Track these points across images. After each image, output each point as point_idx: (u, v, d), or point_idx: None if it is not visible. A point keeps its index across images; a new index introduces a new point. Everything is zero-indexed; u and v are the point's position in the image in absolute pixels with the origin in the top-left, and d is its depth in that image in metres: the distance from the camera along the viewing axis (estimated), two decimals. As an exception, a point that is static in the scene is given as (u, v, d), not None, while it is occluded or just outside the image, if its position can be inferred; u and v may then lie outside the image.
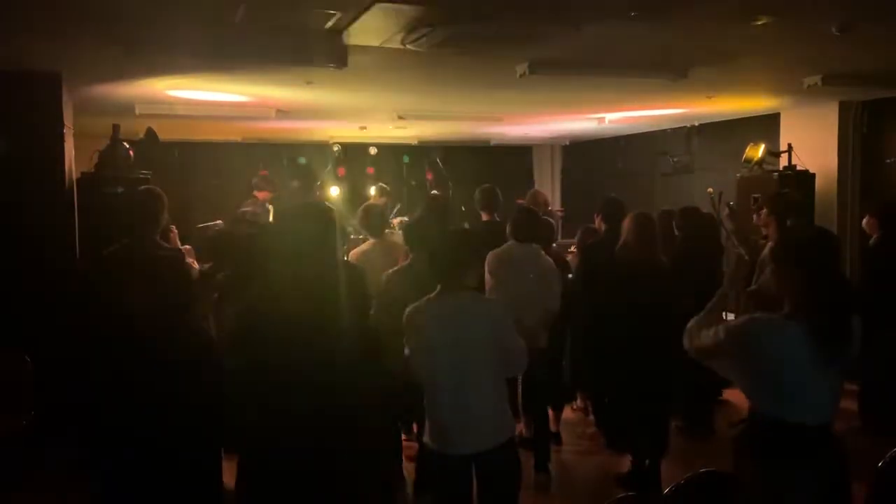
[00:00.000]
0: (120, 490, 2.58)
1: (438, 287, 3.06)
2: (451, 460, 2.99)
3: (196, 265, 4.53)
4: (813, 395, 2.52)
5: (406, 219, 6.39)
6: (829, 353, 2.47)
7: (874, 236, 5.50)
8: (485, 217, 5.72)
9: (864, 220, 5.63)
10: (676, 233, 5.46)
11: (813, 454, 2.53)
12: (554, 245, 5.79)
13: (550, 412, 5.42)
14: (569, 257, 5.94)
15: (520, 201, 8.28)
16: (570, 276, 5.38)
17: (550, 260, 4.76)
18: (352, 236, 6.61)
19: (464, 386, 2.96)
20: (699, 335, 2.69)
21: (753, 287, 5.02)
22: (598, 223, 5.29)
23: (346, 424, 2.22)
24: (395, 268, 4.31)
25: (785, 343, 2.49)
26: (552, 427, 5.43)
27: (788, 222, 5.03)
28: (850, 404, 5.33)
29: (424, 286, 4.03)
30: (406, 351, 3.07)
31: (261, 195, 7.73)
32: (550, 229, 5.55)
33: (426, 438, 3.10)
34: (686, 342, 2.75)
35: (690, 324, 2.78)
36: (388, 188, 9.42)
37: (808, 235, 2.70)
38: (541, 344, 4.50)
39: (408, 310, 3.06)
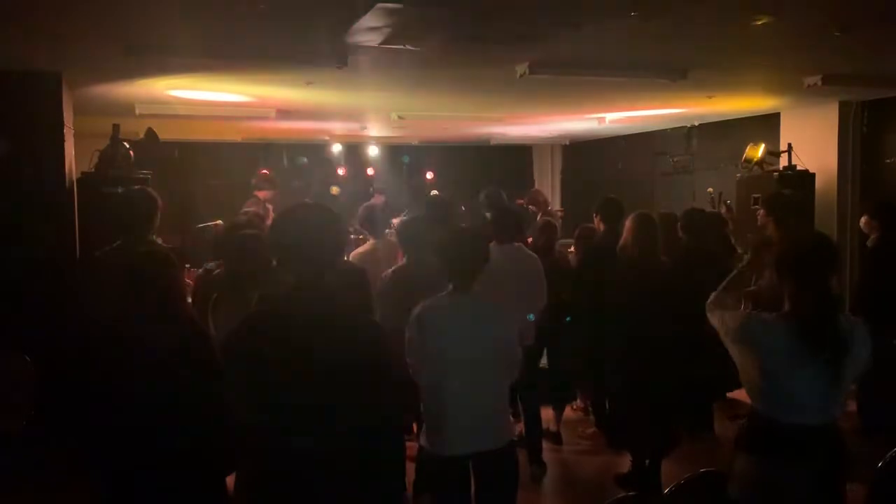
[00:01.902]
0: (123, 490, 2.58)
1: (450, 287, 3.04)
2: (453, 462, 2.97)
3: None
4: (808, 397, 2.56)
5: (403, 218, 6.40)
6: (817, 352, 2.51)
7: (872, 236, 5.49)
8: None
9: (862, 221, 5.62)
10: (681, 234, 5.46)
11: (806, 454, 2.56)
12: (557, 246, 5.79)
13: (551, 412, 5.43)
14: (568, 257, 5.93)
15: (520, 201, 8.30)
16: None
17: (535, 257, 4.72)
18: (352, 236, 6.61)
19: (473, 386, 2.94)
20: (714, 313, 2.79)
21: (753, 287, 5.02)
22: (597, 223, 5.28)
23: (355, 428, 2.21)
24: (393, 268, 4.30)
25: (777, 341, 2.55)
26: (552, 427, 5.43)
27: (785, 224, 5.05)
28: (849, 404, 5.33)
29: (421, 286, 4.04)
30: (406, 350, 3.04)
31: (261, 195, 7.72)
32: (553, 230, 5.53)
33: (424, 441, 3.07)
34: (709, 317, 2.84)
35: (710, 299, 2.89)
36: (385, 188, 9.44)
37: (807, 242, 2.76)
38: (527, 342, 4.49)
39: (417, 308, 3.02)
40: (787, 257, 2.67)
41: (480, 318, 3.00)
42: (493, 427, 3.03)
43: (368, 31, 3.86)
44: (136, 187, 4.69)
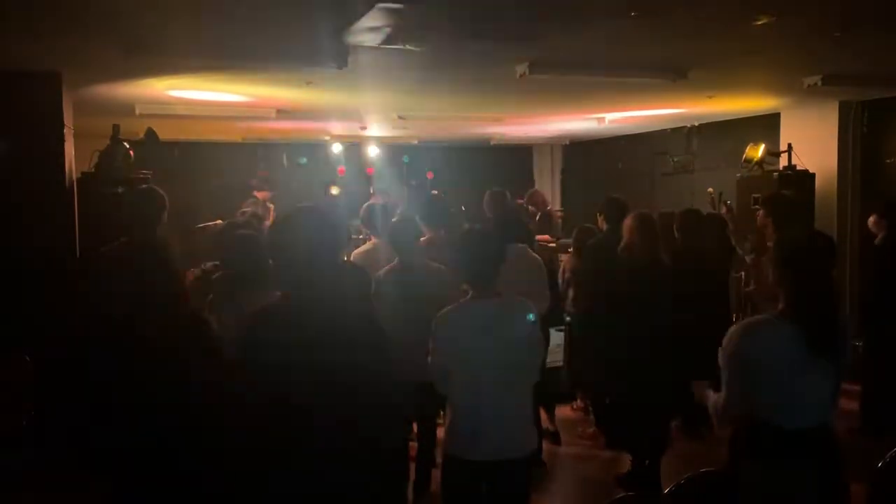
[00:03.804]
0: (130, 486, 2.59)
1: (471, 290, 3.01)
2: (477, 468, 2.93)
3: None
4: (807, 397, 2.55)
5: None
6: (818, 351, 2.50)
7: (880, 235, 5.46)
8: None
9: (871, 220, 5.58)
10: (676, 235, 5.45)
11: (809, 455, 2.55)
12: (555, 243, 5.77)
13: (542, 411, 5.40)
14: (564, 257, 5.92)
15: (520, 201, 8.29)
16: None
17: (538, 258, 4.71)
18: (353, 236, 6.61)
19: (502, 392, 2.92)
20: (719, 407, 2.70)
21: (752, 288, 5.03)
22: (600, 222, 5.27)
23: (359, 430, 2.22)
24: (386, 268, 4.30)
25: (774, 340, 2.53)
26: (550, 427, 5.42)
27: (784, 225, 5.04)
28: (850, 404, 5.33)
29: (414, 286, 4.04)
30: (431, 356, 3.01)
31: (261, 195, 7.73)
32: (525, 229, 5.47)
33: (448, 447, 3.00)
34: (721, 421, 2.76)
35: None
36: (387, 189, 9.44)
37: (802, 237, 2.75)
38: None
39: (441, 312, 3.00)
40: (785, 255, 2.66)
41: (508, 321, 2.97)
42: (521, 433, 3.01)
43: (368, 31, 3.86)
44: (144, 186, 4.69)
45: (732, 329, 2.64)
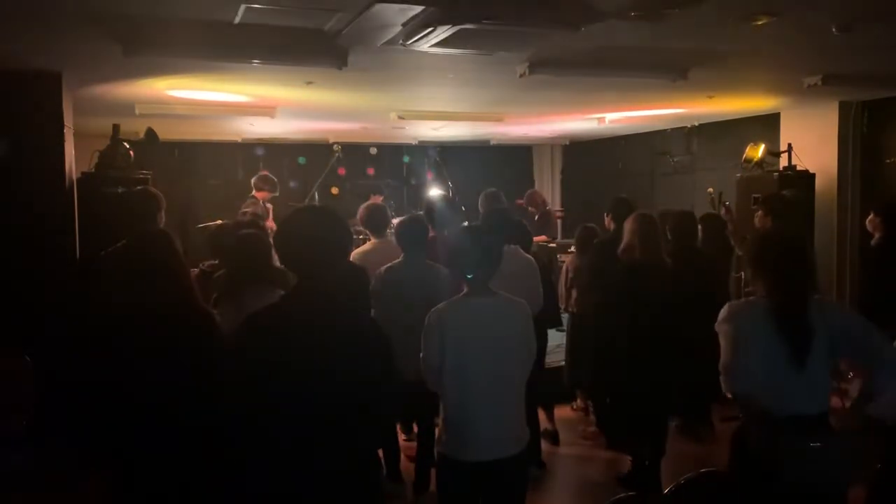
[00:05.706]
0: (130, 486, 2.59)
1: (465, 287, 3.01)
2: (471, 468, 2.92)
3: None
4: (797, 386, 2.62)
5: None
6: (793, 336, 2.60)
7: (876, 236, 5.46)
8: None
9: (868, 219, 5.58)
10: (669, 237, 5.44)
11: (805, 445, 2.59)
12: (554, 243, 5.76)
13: (541, 411, 5.41)
14: (565, 257, 5.92)
15: (519, 201, 8.30)
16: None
17: (531, 259, 4.70)
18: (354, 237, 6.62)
19: (495, 390, 2.91)
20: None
21: (751, 288, 5.02)
22: (608, 222, 5.26)
23: (352, 428, 2.23)
24: (388, 265, 4.30)
25: (753, 320, 2.66)
26: (549, 426, 5.42)
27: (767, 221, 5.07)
28: (848, 404, 5.33)
29: (413, 285, 4.03)
30: (423, 352, 3.01)
31: (260, 195, 7.73)
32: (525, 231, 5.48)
33: (442, 446, 3.00)
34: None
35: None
36: (383, 187, 9.45)
37: (772, 236, 2.90)
38: None
39: (434, 310, 2.98)
40: (755, 252, 2.82)
41: (500, 319, 2.97)
42: (515, 432, 3.00)
43: (369, 30, 3.86)
44: (139, 187, 4.71)
45: (729, 304, 2.82)
